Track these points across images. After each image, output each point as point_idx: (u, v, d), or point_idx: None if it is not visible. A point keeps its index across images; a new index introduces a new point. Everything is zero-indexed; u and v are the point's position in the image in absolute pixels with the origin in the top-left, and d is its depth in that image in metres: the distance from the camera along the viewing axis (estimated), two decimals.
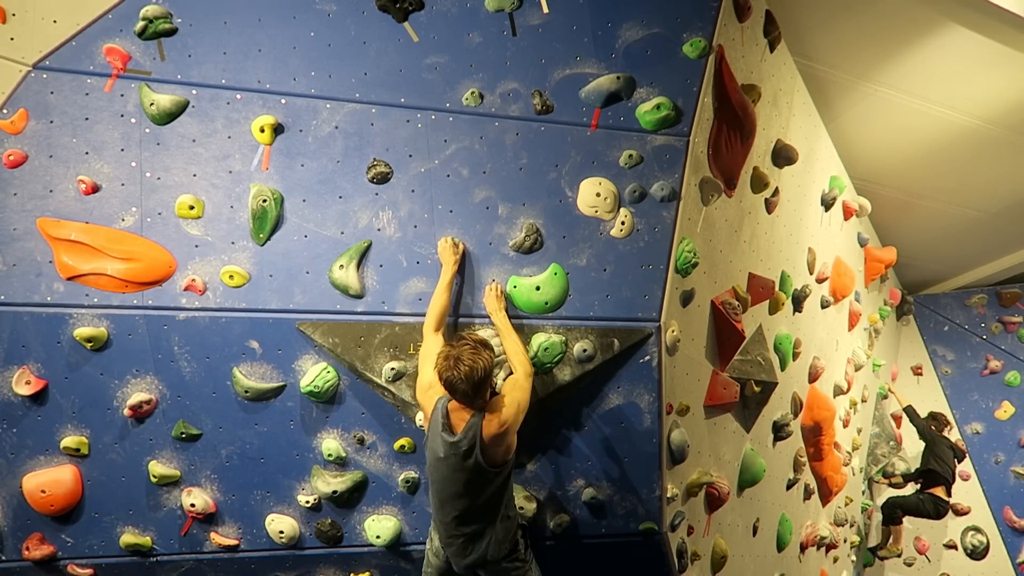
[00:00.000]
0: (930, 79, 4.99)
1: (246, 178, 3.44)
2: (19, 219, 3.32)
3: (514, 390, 3.17)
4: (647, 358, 3.62)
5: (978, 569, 7.54)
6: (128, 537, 3.53)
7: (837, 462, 6.08)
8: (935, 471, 6.87)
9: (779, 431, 5.03)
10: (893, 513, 7.14)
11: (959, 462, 7.20)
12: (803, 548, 5.80)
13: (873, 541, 7.68)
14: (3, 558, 3.50)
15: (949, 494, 6.97)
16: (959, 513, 7.67)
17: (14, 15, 3.28)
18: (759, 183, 4.39)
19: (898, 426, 7.69)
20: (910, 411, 7.10)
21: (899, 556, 7.39)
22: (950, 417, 7.50)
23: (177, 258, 3.39)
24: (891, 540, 7.28)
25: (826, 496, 6.14)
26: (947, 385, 7.82)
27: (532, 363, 3.48)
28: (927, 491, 6.98)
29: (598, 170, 3.56)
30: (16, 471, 3.44)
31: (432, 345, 3.23)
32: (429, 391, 3.14)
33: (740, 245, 4.34)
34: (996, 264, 7.57)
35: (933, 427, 7.06)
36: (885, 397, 7.67)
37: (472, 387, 2.96)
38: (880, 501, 7.43)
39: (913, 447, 7.49)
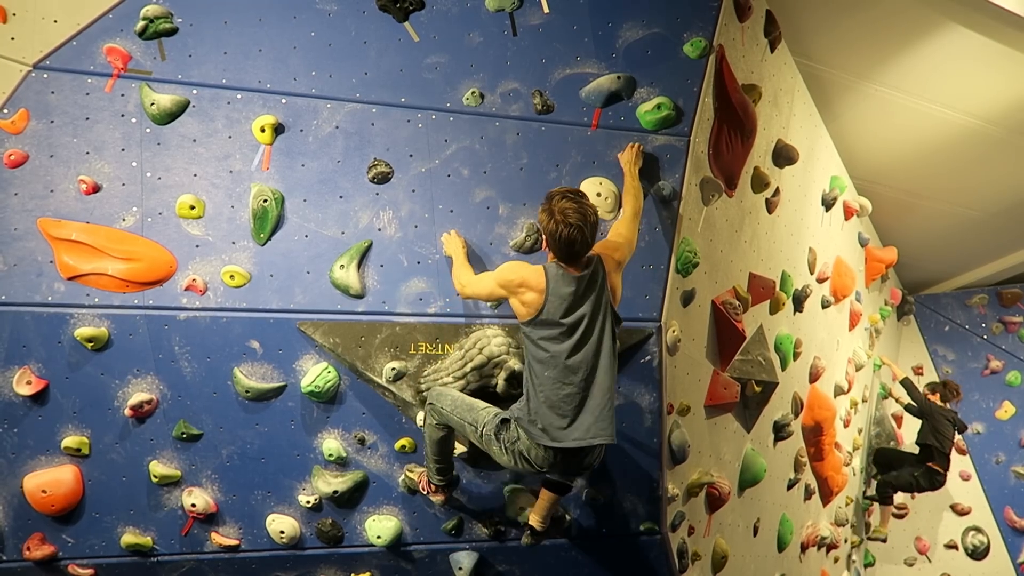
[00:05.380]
0: (930, 79, 4.99)
1: (247, 178, 3.44)
2: (20, 219, 3.32)
3: (623, 228, 3.22)
4: (647, 358, 3.62)
5: (978, 569, 7.53)
6: (129, 537, 3.53)
7: (838, 462, 6.08)
8: (932, 446, 6.71)
9: (780, 431, 5.02)
10: (885, 492, 7.03)
11: (960, 433, 7.02)
12: (804, 548, 5.79)
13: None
14: (4, 558, 3.50)
15: (946, 468, 6.79)
16: (960, 513, 7.66)
17: (14, 15, 3.28)
18: (760, 183, 4.39)
19: (899, 426, 7.68)
20: (907, 383, 6.97)
21: (884, 540, 7.25)
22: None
23: (178, 258, 3.39)
24: (881, 521, 7.16)
25: (827, 496, 6.14)
26: None
27: None
28: (924, 464, 6.82)
29: (598, 170, 3.56)
30: (17, 471, 3.43)
31: (474, 276, 3.23)
32: (500, 283, 3.04)
33: (741, 245, 4.34)
34: (997, 264, 7.56)
35: (937, 397, 6.85)
36: (885, 397, 7.67)
37: (591, 233, 2.88)
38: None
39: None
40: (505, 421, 3.09)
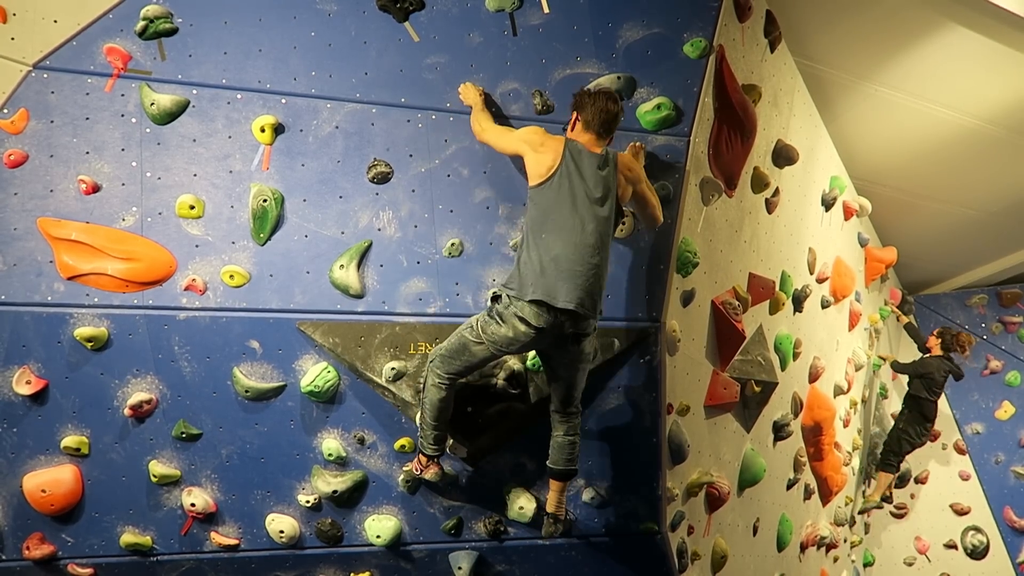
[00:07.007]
0: (930, 79, 4.99)
1: (246, 178, 3.44)
2: (19, 219, 3.32)
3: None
4: (647, 358, 3.62)
5: (978, 569, 7.53)
6: (128, 537, 3.53)
7: (837, 462, 6.08)
8: (921, 399, 6.75)
9: (779, 431, 5.03)
10: (889, 460, 6.94)
11: (956, 380, 6.97)
12: (803, 548, 5.80)
13: (871, 537, 7.66)
14: (3, 557, 3.50)
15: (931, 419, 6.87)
16: (959, 513, 7.67)
17: (14, 15, 3.27)
18: (759, 183, 4.40)
19: None
20: (896, 366, 7.01)
21: (879, 507, 7.13)
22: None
23: (177, 258, 3.39)
24: (875, 488, 7.03)
25: (826, 496, 6.14)
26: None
27: (532, 364, 3.50)
28: (911, 413, 6.83)
29: None
30: (16, 471, 3.43)
31: (495, 125, 3.37)
32: (524, 139, 3.23)
33: (740, 245, 4.34)
34: (996, 264, 7.56)
35: (939, 344, 6.81)
36: (885, 397, 7.67)
37: (621, 114, 3.25)
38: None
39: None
40: (496, 298, 3.18)
